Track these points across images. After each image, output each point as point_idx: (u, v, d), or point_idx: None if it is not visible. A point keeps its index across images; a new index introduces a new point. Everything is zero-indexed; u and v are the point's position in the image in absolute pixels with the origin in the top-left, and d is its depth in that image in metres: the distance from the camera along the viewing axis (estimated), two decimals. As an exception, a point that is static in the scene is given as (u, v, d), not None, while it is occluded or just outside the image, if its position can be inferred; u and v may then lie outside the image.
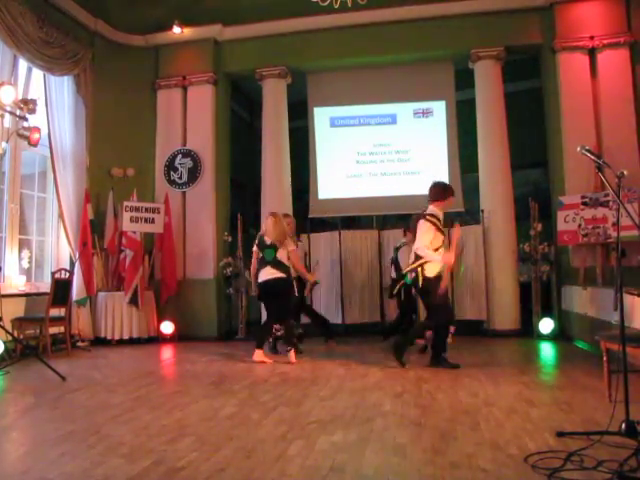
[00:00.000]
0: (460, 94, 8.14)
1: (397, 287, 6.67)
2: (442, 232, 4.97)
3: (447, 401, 3.75)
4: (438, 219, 4.97)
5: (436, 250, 4.91)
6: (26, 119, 5.41)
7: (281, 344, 6.03)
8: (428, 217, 4.96)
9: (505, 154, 7.52)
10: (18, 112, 5.36)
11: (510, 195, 7.48)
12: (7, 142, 5.92)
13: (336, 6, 5.93)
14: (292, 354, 5.50)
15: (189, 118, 8.24)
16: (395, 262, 6.80)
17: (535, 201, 7.26)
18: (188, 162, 8.06)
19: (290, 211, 8.08)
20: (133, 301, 7.18)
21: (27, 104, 5.31)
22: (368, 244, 7.93)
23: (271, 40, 8.07)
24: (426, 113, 8.23)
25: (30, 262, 7.00)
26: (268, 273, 5.54)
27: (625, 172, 3.00)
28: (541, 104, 7.88)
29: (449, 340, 5.24)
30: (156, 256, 7.80)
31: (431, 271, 4.94)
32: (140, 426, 3.26)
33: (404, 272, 5.49)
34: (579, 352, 5.98)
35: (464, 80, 7.93)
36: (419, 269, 4.96)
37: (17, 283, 6.47)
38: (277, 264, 5.52)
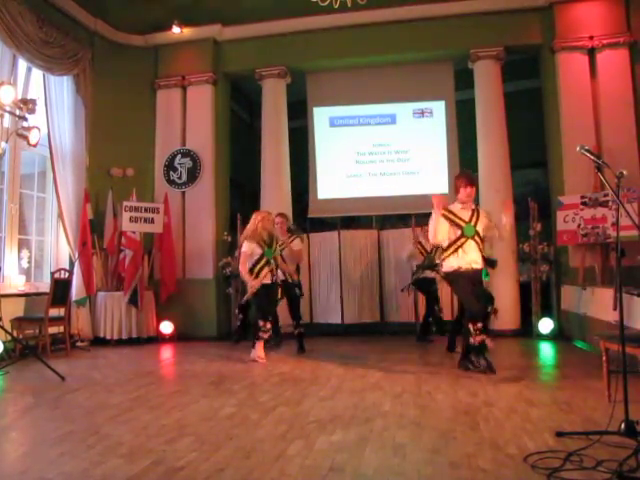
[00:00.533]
0: (460, 94, 8.14)
1: (406, 285, 6.91)
2: (458, 226, 4.70)
3: (447, 401, 3.75)
4: (451, 212, 4.76)
5: (452, 244, 4.70)
6: (26, 119, 5.41)
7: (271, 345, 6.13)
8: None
9: (505, 154, 7.52)
10: (18, 112, 5.37)
11: (510, 195, 7.46)
12: (7, 142, 5.91)
13: (336, 6, 5.93)
14: (253, 350, 5.58)
15: (188, 118, 8.24)
16: None
17: (535, 201, 7.27)
18: (187, 162, 8.06)
19: (289, 211, 8.10)
20: (132, 301, 7.18)
21: (27, 104, 5.32)
22: (367, 244, 7.93)
23: (270, 40, 8.07)
24: (426, 113, 8.23)
25: (29, 262, 7.00)
26: None
27: (624, 172, 3.00)
28: (541, 104, 7.88)
29: (489, 344, 4.88)
30: (155, 256, 7.80)
31: (447, 266, 4.80)
32: (139, 426, 3.25)
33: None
34: (578, 352, 5.99)
35: (464, 80, 7.93)
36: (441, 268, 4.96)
37: (16, 283, 6.47)
38: None
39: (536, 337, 6.90)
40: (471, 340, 4.60)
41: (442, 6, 7.55)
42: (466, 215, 4.73)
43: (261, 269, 5.53)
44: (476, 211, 4.80)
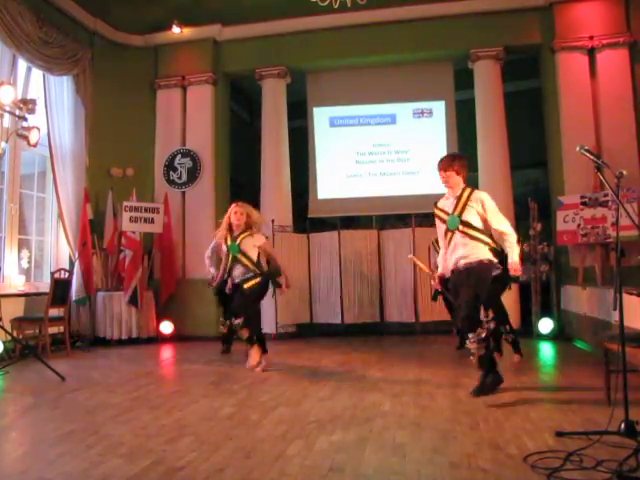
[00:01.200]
0: (460, 94, 8.14)
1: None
2: (442, 220, 4.09)
3: (446, 401, 3.75)
4: (437, 208, 4.19)
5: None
6: (25, 119, 5.41)
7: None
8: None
9: (505, 154, 7.52)
10: (17, 112, 5.37)
11: (510, 195, 7.48)
12: (7, 142, 5.91)
13: (335, 6, 5.93)
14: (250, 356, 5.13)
15: (188, 118, 8.24)
16: None
17: (534, 201, 7.27)
18: (187, 162, 8.06)
19: (289, 211, 8.11)
20: (132, 301, 7.18)
21: (26, 104, 5.31)
22: (367, 244, 7.93)
23: (270, 40, 8.07)
24: (426, 113, 8.23)
25: (29, 262, 7.00)
26: None
27: (624, 172, 3.00)
28: (541, 104, 7.88)
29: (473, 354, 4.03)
30: (155, 256, 7.80)
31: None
32: (139, 426, 3.25)
33: None
34: (578, 352, 5.99)
35: (464, 80, 7.93)
36: None
37: (16, 283, 6.47)
38: None
39: (536, 337, 6.90)
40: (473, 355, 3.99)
41: (442, 6, 7.55)
42: (449, 205, 4.06)
43: (231, 266, 5.11)
44: (462, 197, 4.00)
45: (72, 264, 6.95)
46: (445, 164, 4.12)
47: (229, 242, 5.11)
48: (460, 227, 3.94)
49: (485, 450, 2.68)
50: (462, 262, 3.94)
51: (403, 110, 8.29)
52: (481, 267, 3.89)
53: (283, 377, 4.76)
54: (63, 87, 7.16)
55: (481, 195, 4.03)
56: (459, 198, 4.01)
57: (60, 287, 6.21)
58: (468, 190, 4.05)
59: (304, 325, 7.83)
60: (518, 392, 3.97)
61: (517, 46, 7.61)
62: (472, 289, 3.85)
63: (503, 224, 3.98)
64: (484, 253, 3.91)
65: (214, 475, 2.44)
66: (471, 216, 3.96)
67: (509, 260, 3.97)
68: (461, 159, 4.18)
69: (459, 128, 8.07)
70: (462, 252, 3.94)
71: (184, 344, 7.13)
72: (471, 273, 3.89)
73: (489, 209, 3.98)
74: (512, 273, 3.99)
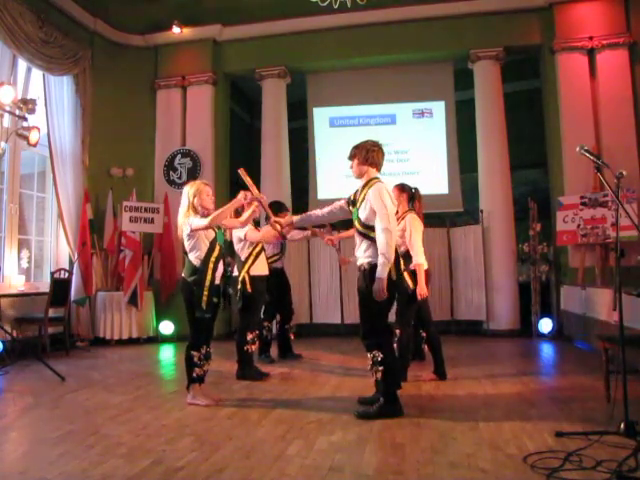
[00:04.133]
0: (460, 94, 8.14)
1: None
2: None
3: (446, 401, 3.75)
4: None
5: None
6: (25, 119, 5.42)
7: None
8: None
9: (504, 154, 7.52)
10: (17, 112, 5.37)
11: (509, 195, 7.48)
12: (6, 142, 5.91)
13: (335, 6, 5.94)
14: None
15: (188, 118, 8.24)
16: None
17: (534, 201, 7.28)
18: (187, 162, 8.06)
19: (289, 211, 8.08)
20: (132, 301, 7.18)
21: (26, 104, 5.32)
22: (367, 244, 7.92)
23: (270, 40, 8.07)
24: (426, 113, 8.23)
25: (29, 262, 6.99)
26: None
27: (624, 172, 3.01)
28: (541, 104, 7.89)
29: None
30: (155, 256, 7.80)
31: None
32: (139, 426, 3.26)
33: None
34: (578, 352, 5.98)
35: (464, 80, 7.94)
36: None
37: (16, 283, 6.46)
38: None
39: (536, 337, 6.91)
40: None
41: (442, 6, 7.55)
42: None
43: (217, 261, 3.85)
44: (363, 189, 3.57)
45: (72, 264, 6.95)
46: (350, 153, 3.62)
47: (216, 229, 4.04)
48: (355, 223, 3.59)
49: (485, 450, 2.68)
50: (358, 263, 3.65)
51: (403, 110, 8.29)
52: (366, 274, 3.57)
53: (283, 377, 4.76)
54: (63, 87, 7.16)
55: (370, 190, 3.47)
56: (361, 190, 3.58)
57: (60, 287, 6.21)
58: (366, 185, 3.54)
59: (304, 325, 7.83)
60: (518, 392, 3.97)
61: (517, 46, 7.61)
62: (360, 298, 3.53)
63: (380, 225, 3.39)
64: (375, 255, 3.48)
65: (214, 475, 2.44)
66: (362, 211, 3.51)
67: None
68: (359, 147, 3.57)
69: (459, 128, 8.07)
70: (356, 251, 3.63)
71: (184, 344, 7.09)
72: (360, 281, 3.61)
73: (375, 206, 3.42)
74: (374, 294, 3.51)
